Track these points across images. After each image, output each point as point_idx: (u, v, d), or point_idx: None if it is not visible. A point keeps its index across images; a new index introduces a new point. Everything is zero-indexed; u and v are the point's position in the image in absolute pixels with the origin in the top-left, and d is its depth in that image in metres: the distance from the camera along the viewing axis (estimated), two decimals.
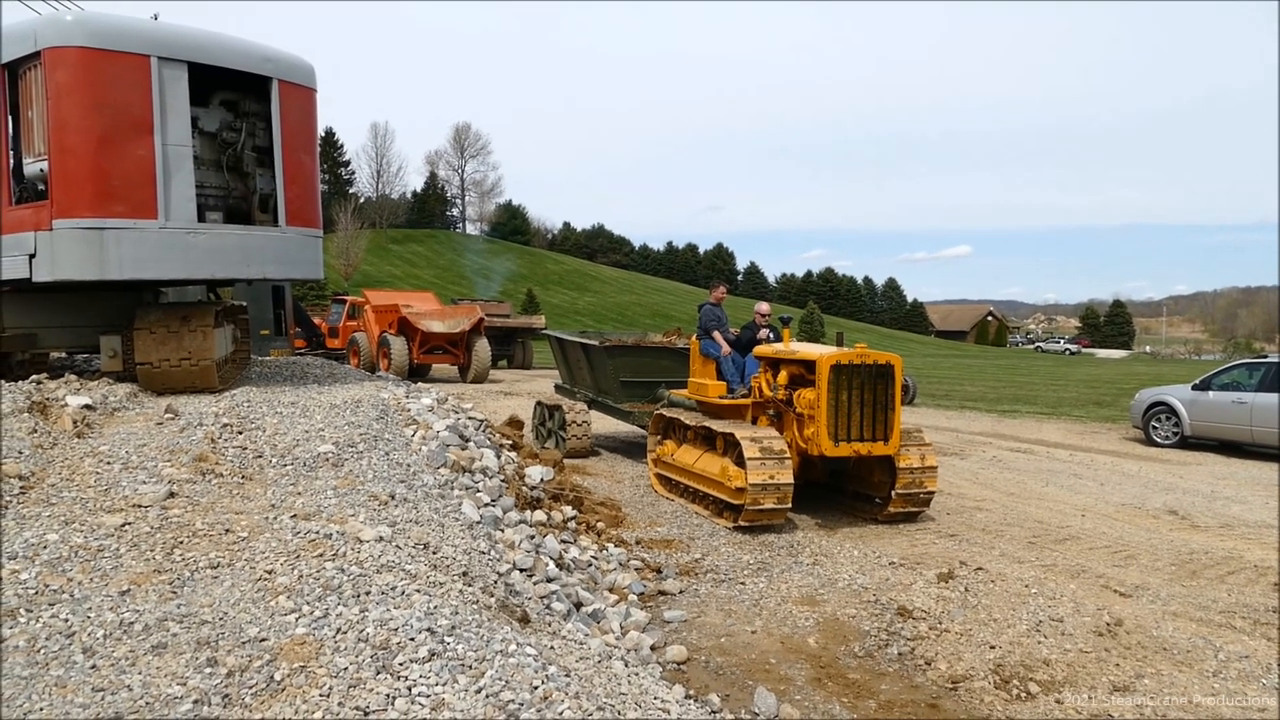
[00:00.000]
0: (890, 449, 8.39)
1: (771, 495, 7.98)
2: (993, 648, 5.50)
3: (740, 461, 8.16)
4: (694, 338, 10.60)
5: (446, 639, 3.74)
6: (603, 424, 14.09)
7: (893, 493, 8.59)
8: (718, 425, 8.90)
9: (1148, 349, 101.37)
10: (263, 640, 3.66)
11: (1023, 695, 5.05)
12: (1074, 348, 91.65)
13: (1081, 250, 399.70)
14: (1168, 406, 15.39)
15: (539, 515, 6.94)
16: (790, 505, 8.14)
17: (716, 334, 10.07)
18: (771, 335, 9.97)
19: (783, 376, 8.84)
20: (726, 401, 9.46)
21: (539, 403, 13.11)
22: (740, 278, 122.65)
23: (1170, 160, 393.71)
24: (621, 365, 12.00)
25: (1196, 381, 15.35)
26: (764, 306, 10.40)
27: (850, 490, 9.42)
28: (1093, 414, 20.75)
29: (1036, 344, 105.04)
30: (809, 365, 8.50)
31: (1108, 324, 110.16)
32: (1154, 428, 15.55)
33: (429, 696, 3.36)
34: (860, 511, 9.10)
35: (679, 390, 10.62)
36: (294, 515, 5.01)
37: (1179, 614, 6.27)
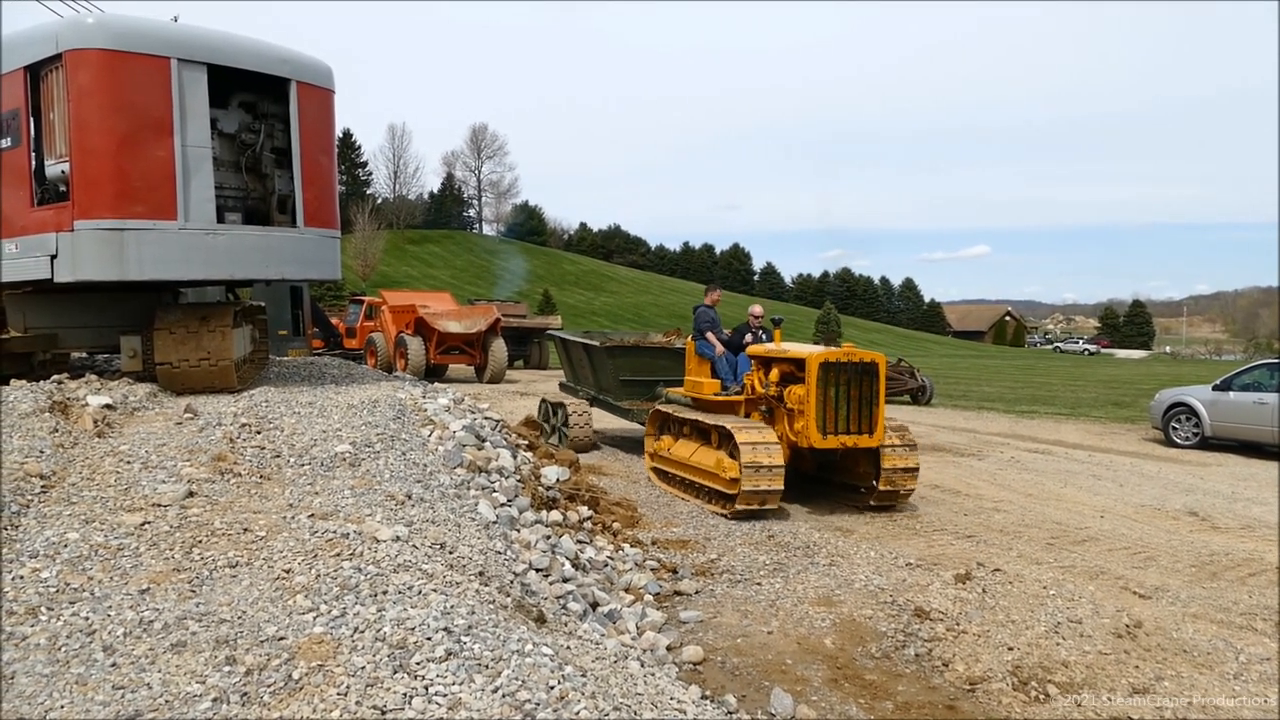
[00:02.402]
0: (875, 441, 8.91)
1: (764, 485, 8.46)
2: (1011, 649, 5.46)
3: (734, 454, 8.66)
4: (690, 338, 11.06)
5: (463, 638, 3.75)
6: (617, 424, 14.22)
7: (876, 483, 9.17)
8: (712, 420, 9.38)
9: (1167, 349, 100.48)
10: (281, 639, 3.68)
11: (1041, 697, 5.01)
12: (1093, 348, 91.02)
13: (1102, 249, 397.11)
14: (1188, 407, 15.27)
15: (555, 515, 6.95)
16: (781, 494, 8.61)
17: (710, 334, 10.47)
18: (763, 336, 10.44)
19: (774, 374, 9.36)
20: (721, 398, 9.91)
21: (544, 400, 13.63)
22: (756, 278, 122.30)
23: (1192, 157, 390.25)
24: (621, 364, 12.51)
25: (1217, 382, 15.22)
26: (757, 309, 10.86)
27: (837, 480, 9.97)
28: (1112, 415, 20.61)
29: (1055, 344, 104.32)
30: (799, 363, 9.05)
31: (1127, 324, 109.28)
32: (1174, 428, 15.43)
33: (446, 696, 3.36)
34: (847, 499, 9.58)
35: (676, 388, 11.04)
36: (311, 515, 5.04)
37: (1199, 616, 6.21)
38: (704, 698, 4.71)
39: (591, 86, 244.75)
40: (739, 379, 9.98)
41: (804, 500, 9.46)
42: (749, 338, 10.35)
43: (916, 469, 9.26)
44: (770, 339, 10.29)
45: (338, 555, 4.47)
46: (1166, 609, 6.32)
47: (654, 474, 10.67)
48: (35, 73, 7.32)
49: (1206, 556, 7.80)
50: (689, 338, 11.17)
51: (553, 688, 3.53)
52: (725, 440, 9.04)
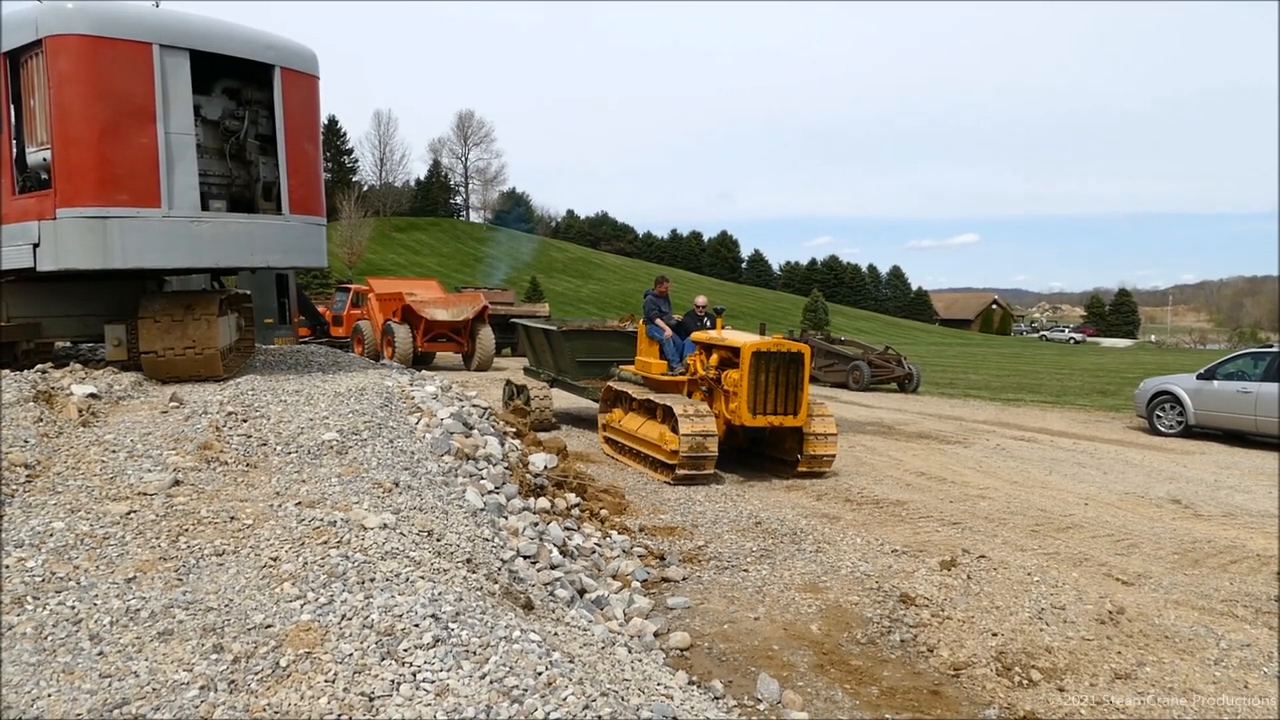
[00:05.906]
0: (798, 421, 10.05)
1: (699, 456, 9.52)
2: (995, 635, 5.51)
3: (676, 429, 9.67)
4: (641, 322, 12.00)
5: (451, 625, 3.76)
6: (584, 406, 14.84)
7: (800, 456, 10.28)
8: (658, 398, 10.45)
9: (1153, 338, 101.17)
10: (268, 627, 3.68)
11: (1024, 682, 5.06)
12: (1079, 337, 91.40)
13: (1090, 239, 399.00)
14: (1172, 396, 15.37)
15: (543, 502, 6.96)
16: (715, 465, 9.75)
17: (659, 320, 11.43)
18: (707, 324, 11.33)
19: (714, 359, 10.45)
20: (667, 378, 10.99)
21: (508, 381, 14.49)
22: (744, 265, 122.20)
23: (1179, 150, 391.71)
24: (577, 347, 13.55)
25: (1201, 371, 15.31)
26: (702, 300, 11.79)
27: (767, 454, 11.07)
28: (1097, 403, 20.74)
29: (1041, 333, 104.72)
30: (735, 351, 10.04)
31: (1113, 313, 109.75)
32: (1158, 417, 15.53)
33: (433, 682, 3.38)
34: (776, 471, 10.61)
35: (627, 366, 12.16)
36: (298, 503, 5.03)
37: (1181, 602, 6.27)
38: (691, 683, 4.74)
39: (584, 81, 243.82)
40: (683, 361, 10.95)
41: (737, 470, 10.58)
42: (699, 325, 11.21)
43: (833, 455, 10.38)
44: (713, 325, 11.17)
45: (325, 543, 4.47)
46: (1149, 596, 6.38)
47: (606, 444, 11.76)
48: (15, 59, 7.23)
49: (1189, 544, 7.88)
50: (640, 321, 12.13)
51: (540, 674, 3.54)
52: (668, 416, 10.07)
